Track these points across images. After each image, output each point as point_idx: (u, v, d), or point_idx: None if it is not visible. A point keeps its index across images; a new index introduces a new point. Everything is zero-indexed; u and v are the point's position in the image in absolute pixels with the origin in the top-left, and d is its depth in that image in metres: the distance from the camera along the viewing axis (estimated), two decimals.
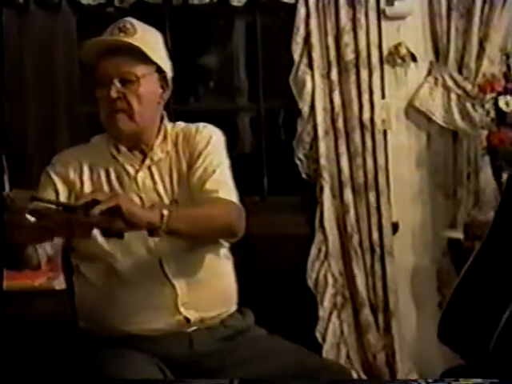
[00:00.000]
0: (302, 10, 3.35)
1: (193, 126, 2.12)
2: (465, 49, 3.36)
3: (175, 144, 2.09)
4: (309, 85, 3.38)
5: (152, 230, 1.83)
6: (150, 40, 2.05)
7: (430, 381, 1.67)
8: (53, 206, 1.77)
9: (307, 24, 3.35)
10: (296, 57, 3.39)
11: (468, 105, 3.37)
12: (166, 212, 1.82)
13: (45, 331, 2.80)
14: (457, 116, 3.39)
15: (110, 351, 1.93)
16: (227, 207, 2.00)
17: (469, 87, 3.36)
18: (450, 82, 3.39)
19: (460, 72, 3.39)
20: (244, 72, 3.88)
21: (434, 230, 3.49)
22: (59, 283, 2.73)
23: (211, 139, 2.08)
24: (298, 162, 3.45)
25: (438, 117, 3.41)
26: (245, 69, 3.87)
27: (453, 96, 3.40)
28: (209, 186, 2.01)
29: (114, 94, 1.98)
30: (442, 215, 3.48)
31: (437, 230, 3.48)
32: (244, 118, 3.99)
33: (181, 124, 2.14)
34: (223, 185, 2.03)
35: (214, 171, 2.03)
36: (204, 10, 3.41)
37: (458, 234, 3.26)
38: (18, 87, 3.33)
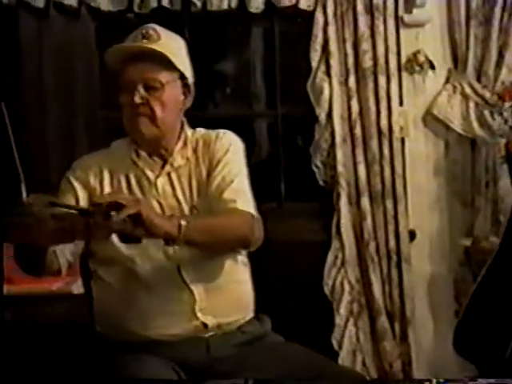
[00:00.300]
0: (320, 17, 3.35)
1: (213, 133, 2.12)
2: (484, 57, 3.35)
3: (195, 150, 2.10)
4: (326, 92, 3.38)
5: (168, 240, 1.84)
6: (173, 46, 2.05)
7: (441, 380, 1.67)
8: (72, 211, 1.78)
9: (325, 31, 3.35)
10: (314, 64, 3.39)
11: (486, 113, 3.36)
12: (183, 223, 1.83)
13: (62, 335, 2.81)
14: (475, 124, 3.37)
15: (127, 355, 1.94)
16: (243, 219, 2.00)
17: (487, 95, 3.35)
18: (468, 90, 3.38)
19: (479, 80, 3.38)
20: (261, 78, 3.88)
21: (451, 238, 3.48)
22: (77, 288, 2.75)
23: (230, 147, 2.09)
24: (315, 169, 3.45)
25: (456, 125, 3.40)
26: (262, 75, 3.87)
27: (471, 104, 3.39)
28: (227, 195, 2.01)
29: (137, 99, 1.99)
30: (459, 223, 3.47)
31: (454, 238, 3.47)
32: (261, 124, 4.00)
33: (201, 130, 2.15)
34: (241, 195, 2.03)
35: (232, 181, 2.03)
36: (222, 16, 3.43)
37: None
38: (37, 92, 3.35)
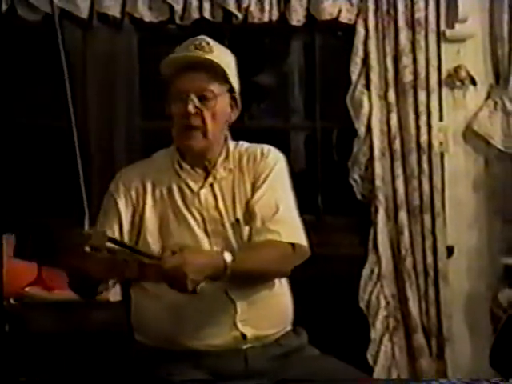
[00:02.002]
0: (361, 31, 3.35)
1: (257, 148, 2.14)
2: None
3: (239, 164, 2.10)
4: (366, 105, 3.37)
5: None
6: (226, 59, 2.07)
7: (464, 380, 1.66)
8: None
9: (366, 45, 3.35)
10: (354, 77, 3.38)
11: None
12: (228, 260, 1.87)
13: (99, 343, 2.83)
14: None
15: (165, 366, 1.95)
16: (283, 254, 2.02)
17: None
18: (510, 106, 3.36)
19: None
20: (301, 91, 3.88)
21: (490, 255, 3.44)
22: (114, 295, 2.76)
23: (276, 166, 2.10)
24: (352, 183, 3.44)
25: (497, 141, 3.37)
26: (302, 88, 3.87)
27: None
28: (272, 225, 2.02)
29: (192, 109, 2.00)
30: (499, 241, 3.43)
31: (493, 255, 3.43)
32: (300, 137, 3.99)
33: (244, 144, 2.15)
34: (285, 225, 2.03)
35: (277, 207, 2.04)
36: (263, 28, 3.44)
37: None
38: (80, 102, 3.39)
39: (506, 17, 3.33)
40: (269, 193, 2.06)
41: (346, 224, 3.53)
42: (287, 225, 2.04)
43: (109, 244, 1.78)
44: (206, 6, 3.30)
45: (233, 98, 2.10)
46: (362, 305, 3.39)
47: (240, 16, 3.33)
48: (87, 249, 1.74)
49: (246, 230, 2.04)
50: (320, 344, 2.18)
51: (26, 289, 3.00)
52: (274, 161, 2.11)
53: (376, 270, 3.40)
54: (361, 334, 3.37)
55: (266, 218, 2.02)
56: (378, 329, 3.37)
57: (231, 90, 2.08)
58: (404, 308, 3.37)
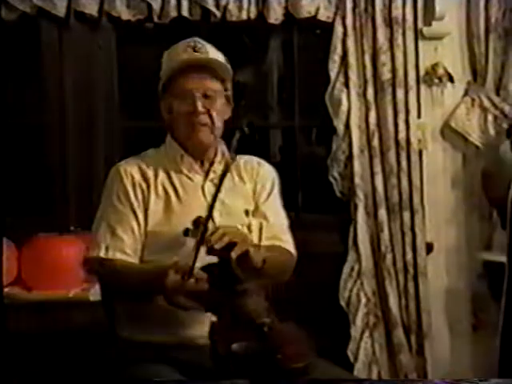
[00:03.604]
0: (339, 29, 3.36)
1: (252, 157, 2.28)
2: (503, 70, 3.35)
3: (236, 166, 2.21)
4: (345, 103, 3.38)
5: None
6: (219, 59, 2.16)
7: (447, 380, 1.67)
8: None
9: (344, 43, 3.36)
10: (332, 75, 3.39)
11: (505, 126, 3.34)
12: (267, 255, 1.97)
13: (79, 342, 2.82)
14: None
15: (145, 364, 1.95)
16: (292, 261, 2.22)
17: (506, 108, 3.34)
18: (487, 103, 3.37)
19: (497, 93, 3.38)
20: (280, 89, 3.89)
21: (468, 251, 3.46)
22: (94, 294, 2.76)
23: (275, 179, 2.27)
24: (332, 181, 3.44)
25: (475, 138, 3.39)
26: (281, 86, 3.88)
27: (490, 117, 3.38)
28: (282, 236, 2.20)
29: (201, 108, 2.08)
30: (477, 237, 3.45)
31: (471, 251, 3.45)
32: (278, 135, 4.00)
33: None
34: (286, 234, 2.22)
35: (285, 219, 2.23)
36: (241, 26, 3.44)
37: (493, 257, 3.23)
38: (57, 101, 3.37)
39: (482, 14, 3.35)
40: (276, 206, 2.24)
41: (325, 222, 3.54)
42: (287, 235, 2.22)
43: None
44: (184, 4, 3.28)
45: (226, 97, 2.18)
46: (343, 302, 3.40)
47: (218, 14, 3.32)
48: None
49: (254, 222, 2.16)
50: None
51: (6, 289, 2.98)
52: (271, 171, 2.28)
53: (356, 268, 3.41)
54: (341, 331, 3.39)
55: (277, 228, 2.19)
56: (358, 326, 3.38)
57: (225, 89, 2.17)
58: (384, 305, 3.38)
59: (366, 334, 3.39)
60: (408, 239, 3.36)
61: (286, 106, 3.75)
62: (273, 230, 2.17)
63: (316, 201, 3.63)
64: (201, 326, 1.96)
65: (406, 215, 3.36)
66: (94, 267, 2.09)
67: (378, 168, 3.36)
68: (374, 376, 3.36)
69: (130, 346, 2.06)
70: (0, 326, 2.25)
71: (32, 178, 3.46)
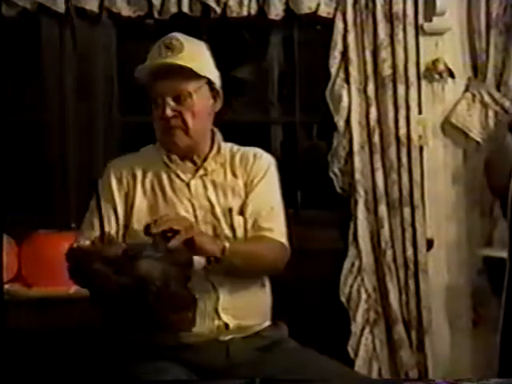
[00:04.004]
0: (339, 25, 3.35)
1: (250, 150, 2.21)
2: (504, 66, 3.34)
3: (231, 161, 2.16)
4: (345, 99, 3.37)
5: (210, 260, 1.91)
6: (197, 54, 2.11)
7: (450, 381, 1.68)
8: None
9: (345, 39, 3.35)
10: (333, 71, 3.38)
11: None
12: (227, 245, 1.93)
13: (79, 338, 2.82)
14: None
15: (145, 362, 1.95)
16: (279, 251, 2.11)
17: (507, 104, 3.34)
18: (487, 99, 3.37)
19: (498, 89, 3.37)
20: (280, 85, 3.88)
21: (469, 247, 3.46)
22: None
23: (269, 169, 2.18)
24: (332, 177, 3.44)
25: (476, 134, 3.39)
26: (281, 82, 3.87)
27: (490, 113, 3.37)
28: (265, 223, 2.10)
29: (169, 113, 2.05)
30: (477, 233, 3.45)
31: (472, 247, 3.45)
32: (279, 131, 3.99)
33: (234, 145, 2.20)
34: (278, 224, 2.12)
35: (272, 208, 2.13)
36: (242, 22, 3.44)
37: (494, 253, 3.23)
38: (58, 98, 3.37)
39: (483, 10, 3.34)
40: (264, 193, 2.14)
41: (325, 218, 3.54)
42: (279, 225, 2.13)
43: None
44: (185, 0, 3.28)
45: (213, 89, 2.13)
46: (343, 298, 3.40)
47: (219, 10, 3.32)
48: None
49: (238, 219, 2.10)
50: (301, 337, 2.19)
51: (6, 286, 2.98)
52: (268, 163, 2.20)
53: (356, 264, 3.40)
54: (341, 327, 3.38)
55: (260, 216, 2.09)
56: (358, 322, 3.38)
57: (210, 81, 2.11)
58: (384, 301, 3.38)
59: (367, 330, 3.39)
60: (408, 235, 3.36)
61: (287, 102, 3.74)
62: (258, 221, 2.10)
63: (316, 197, 3.63)
64: (202, 323, 1.97)
65: (407, 211, 3.35)
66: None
67: (378, 164, 3.36)
68: (375, 372, 3.36)
69: (127, 344, 2.06)
70: (0, 322, 2.25)
71: (32, 175, 3.46)
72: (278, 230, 2.12)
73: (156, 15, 3.31)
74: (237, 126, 3.55)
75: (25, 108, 3.49)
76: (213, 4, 3.30)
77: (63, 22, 3.34)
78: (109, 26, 3.39)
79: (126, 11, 3.31)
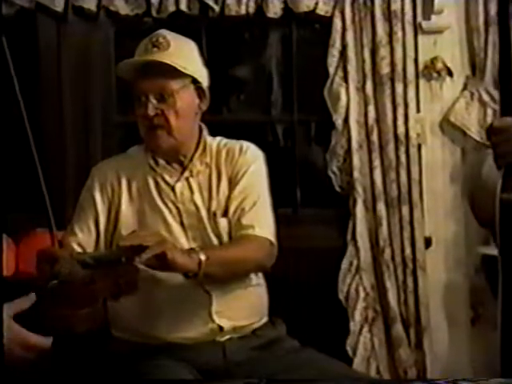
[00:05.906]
0: (338, 23, 3.35)
1: (236, 144, 2.15)
2: None
3: (217, 159, 2.11)
4: (343, 97, 3.37)
5: (188, 275, 1.88)
6: (183, 52, 2.06)
7: (449, 380, 1.67)
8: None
9: (343, 37, 3.35)
10: (331, 69, 3.38)
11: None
12: (203, 258, 1.86)
13: (77, 339, 2.82)
14: None
15: (144, 360, 1.94)
16: (261, 247, 2.04)
17: None
18: (486, 97, 3.37)
19: (497, 87, 3.37)
20: (278, 84, 3.88)
21: (467, 245, 3.46)
22: None
23: (254, 163, 2.12)
24: (331, 175, 3.44)
25: (474, 132, 3.39)
26: (279, 80, 3.87)
27: (489, 111, 3.37)
28: (246, 221, 2.04)
29: (151, 111, 2.01)
30: (475, 231, 3.44)
31: (470, 245, 3.45)
32: (277, 130, 4.00)
33: (222, 139, 2.16)
34: (260, 220, 2.06)
35: (254, 203, 2.07)
36: (240, 21, 3.43)
37: (492, 251, 3.22)
38: (55, 96, 3.37)
39: (481, 8, 3.34)
40: (246, 189, 2.08)
41: (324, 216, 3.53)
42: (262, 220, 2.06)
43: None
44: None
45: (199, 88, 2.09)
46: (341, 296, 3.39)
47: (217, 9, 3.31)
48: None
49: (222, 222, 2.05)
50: (300, 336, 2.19)
51: None
52: (253, 158, 2.13)
53: (355, 262, 3.40)
54: (340, 325, 3.38)
55: (242, 214, 2.04)
56: (357, 320, 3.38)
57: (195, 81, 2.07)
58: (383, 299, 3.38)
59: (365, 328, 3.39)
60: (407, 233, 3.36)
61: (285, 100, 3.74)
62: (240, 218, 2.05)
63: (315, 195, 3.63)
64: (195, 327, 1.97)
65: (405, 209, 3.35)
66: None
67: (376, 162, 3.36)
68: (373, 370, 3.36)
69: (120, 344, 2.06)
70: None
71: (29, 174, 3.45)
72: (261, 226, 2.05)
73: (154, 14, 3.31)
74: (234, 125, 3.56)
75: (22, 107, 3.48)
76: (211, 2, 3.30)
77: (61, 21, 3.33)
78: (107, 24, 3.39)
79: (124, 10, 3.31)
